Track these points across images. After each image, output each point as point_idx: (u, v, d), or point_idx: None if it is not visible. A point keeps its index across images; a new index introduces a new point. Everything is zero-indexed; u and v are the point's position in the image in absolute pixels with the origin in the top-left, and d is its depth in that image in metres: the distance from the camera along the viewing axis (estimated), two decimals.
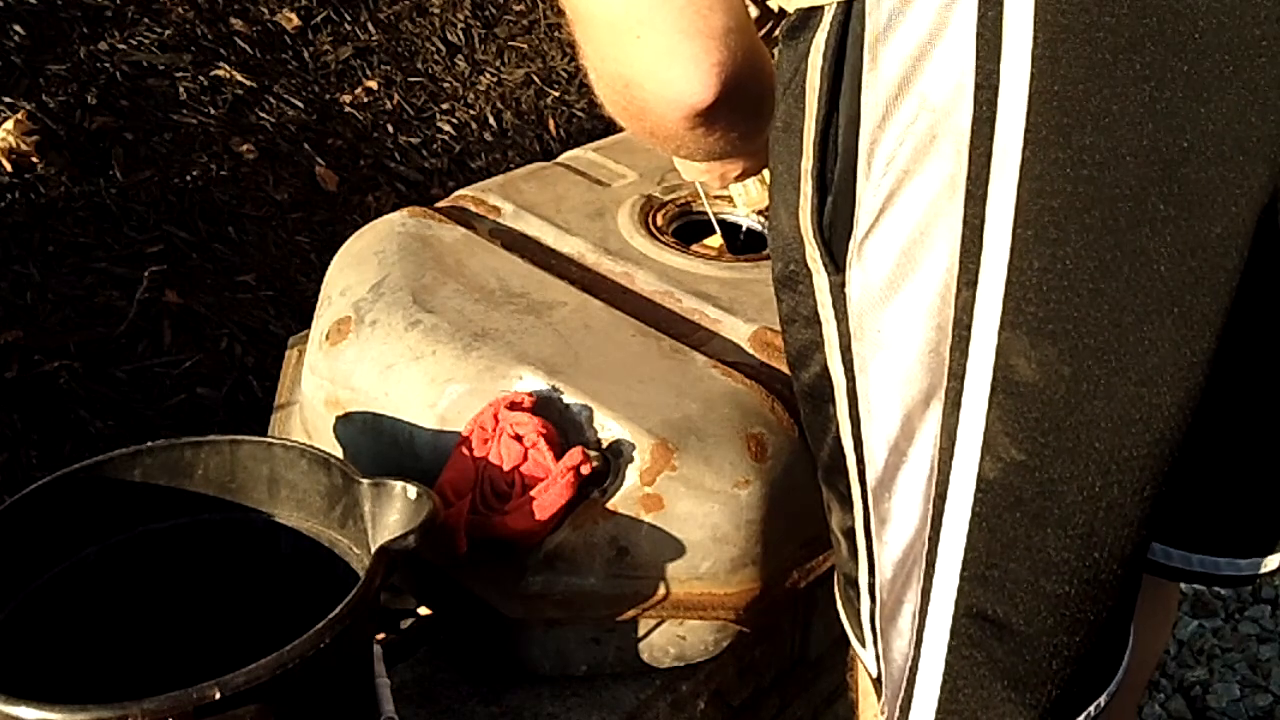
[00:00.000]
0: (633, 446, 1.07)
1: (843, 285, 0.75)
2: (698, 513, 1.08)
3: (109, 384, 1.75)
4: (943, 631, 0.76)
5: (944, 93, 0.66)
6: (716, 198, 1.42)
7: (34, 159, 1.98)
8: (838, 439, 0.82)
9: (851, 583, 0.88)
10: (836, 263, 0.75)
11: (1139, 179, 0.63)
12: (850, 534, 0.86)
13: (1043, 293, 0.65)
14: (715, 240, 1.39)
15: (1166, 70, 0.62)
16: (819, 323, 0.79)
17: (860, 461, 0.80)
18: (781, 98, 0.77)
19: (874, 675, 0.89)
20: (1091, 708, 0.80)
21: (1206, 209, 0.63)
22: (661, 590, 1.09)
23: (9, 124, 1.99)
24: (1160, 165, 0.63)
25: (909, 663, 0.79)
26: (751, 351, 1.20)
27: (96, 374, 1.75)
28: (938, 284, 0.69)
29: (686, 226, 1.42)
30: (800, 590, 1.19)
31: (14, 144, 1.97)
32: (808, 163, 0.75)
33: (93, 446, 1.64)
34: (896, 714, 0.81)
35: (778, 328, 1.21)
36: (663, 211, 1.41)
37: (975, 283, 0.67)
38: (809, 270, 0.78)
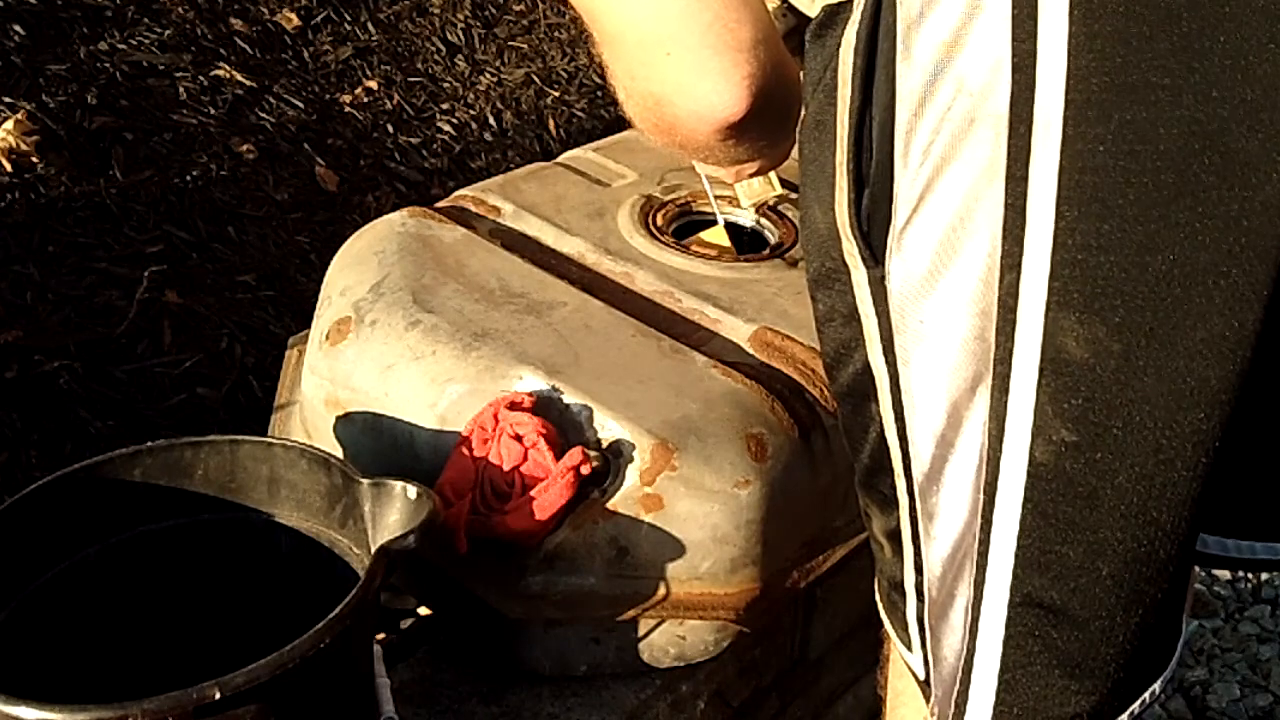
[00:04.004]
0: (633, 446, 1.07)
1: (882, 278, 0.75)
2: (698, 513, 1.08)
3: (109, 384, 1.75)
4: (998, 622, 0.75)
5: (980, 76, 0.66)
6: (718, 197, 1.42)
7: (34, 159, 1.98)
8: (881, 436, 0.81)
9: (896, 586, 0.87)
10: (875, 256, 0.75)
11: (1181, 151, 0.62)
12: (895, 535, 0.85)
13: (1089, 270, 0.65)
14: (717, 235, 1.39)
15: (1204, 40, 0.61)
16: (858, 319, 0.78)
17: (905, 457, 0.79)
18: (812, 96, 0.77)
19: (921, 678, 0.88)
20: (1147, 694, 0.79)
21: (1249, 178, 0.62)
22: (661, 590, 1.09)
23: (9, 124, 1.99)
24: (1201, 136, 0.62)
25: (962, 659, 0.78)
26: (751, 351, 1.20)
27: (96, 374, 1.75)
28: (980, 270, 0.69)
29: (686, 226, 1.42)
30: (800, 590, 1.19)
31: (14, 144, 1.97)
32: (842, 156, 0.75)
33: (93, 446, 1.64)
34: (951, 712, 0.80)
35: (778, 328, 1.21)
36: (663, 211, 1.41)
37: (1019, 265, 0.67)
38: (846, 266, 0.77)
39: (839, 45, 0.74)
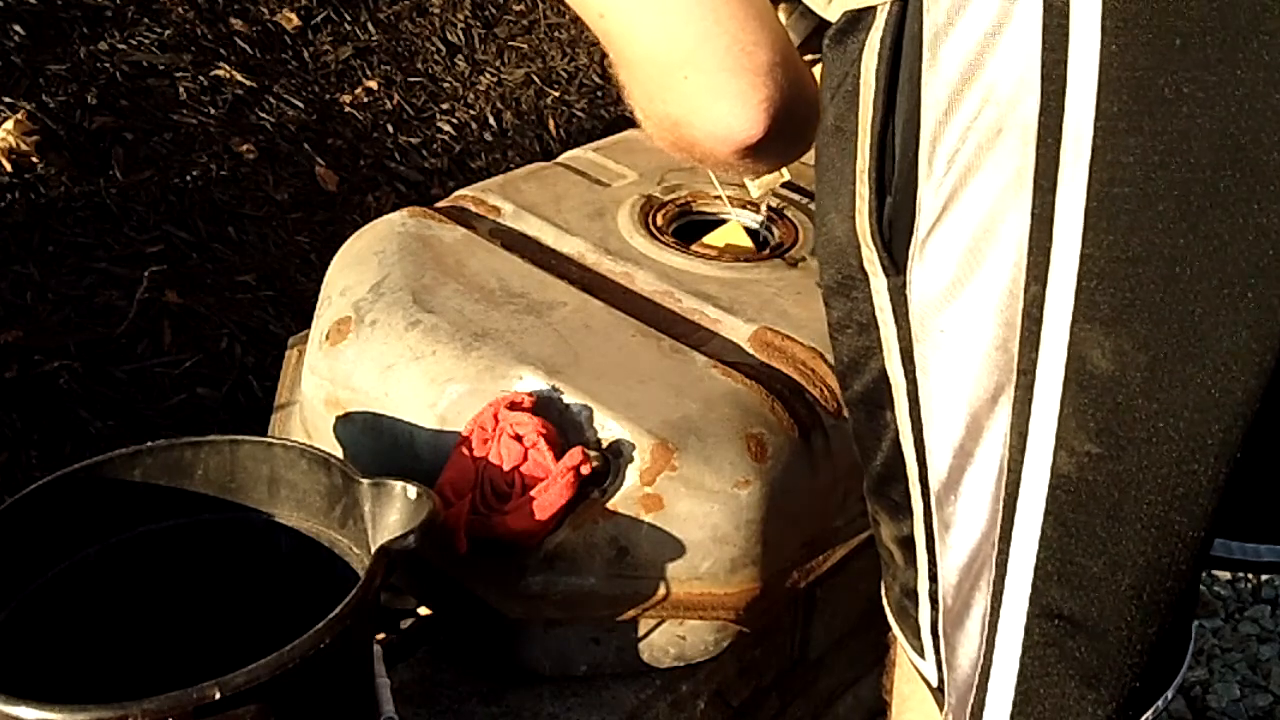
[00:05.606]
0: (633, 446, 1.07)
1: (903, 287, 0.74)
2: (698, 513, 1.08)
3: (109, 384, 1.75)
4: (1016, 633, 0.75)
5: (1009, 85, 0.66)
6: (717, 197, 1.42)
7: (34, 159, 1.98)
8: (896, 445, 0.81)
9: (908, 593, 0.87)
10: (896, 264, 0.75)
11: (1210, 163, 0.62)
12: (907, 543, 0.85)
13: (1116, 282, 0.65)
14: (734, 234, 1.39)
15: (1235, 52, 0.61)
16: (876, 328, 0.78)
17: (921, 466, 0.79)
18: (830, 102, 0.76)
19: (934, 685, 0.88)
20: (1160, 701, 0.79)
21: (1279, 190, 0.63)
22: (661, 590, 1.09)
23: (9, 124, 1.99)
24: (1232, 148, 0.62)
25: (979, 668, 0.78)
26: (751, 351, 1.20)
27: (96, 374, 1.75)
28: (1005, 280, 0.69)
29: (687, 226, 1.42)
30: (800, 590, 1.19)
31: (14, 144, 1.97)
32: (864, 164, 0.75)
33: (93, 446, 1.64)
34: None
35: (778, 328, 1.21)
36: (663, 211, 1.42)
37: (1045, 276, 0.67)
38: (865, 274, 0.77)
39: (861, 51, 0.73)
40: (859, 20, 0.74)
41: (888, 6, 0.71)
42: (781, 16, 0.92)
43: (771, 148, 0.83)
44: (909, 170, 0.72)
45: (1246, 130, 0.62)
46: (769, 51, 0.79)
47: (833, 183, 0.78)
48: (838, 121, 0.76)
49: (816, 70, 0.86)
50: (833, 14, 0.76)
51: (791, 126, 0.83)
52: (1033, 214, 0.66)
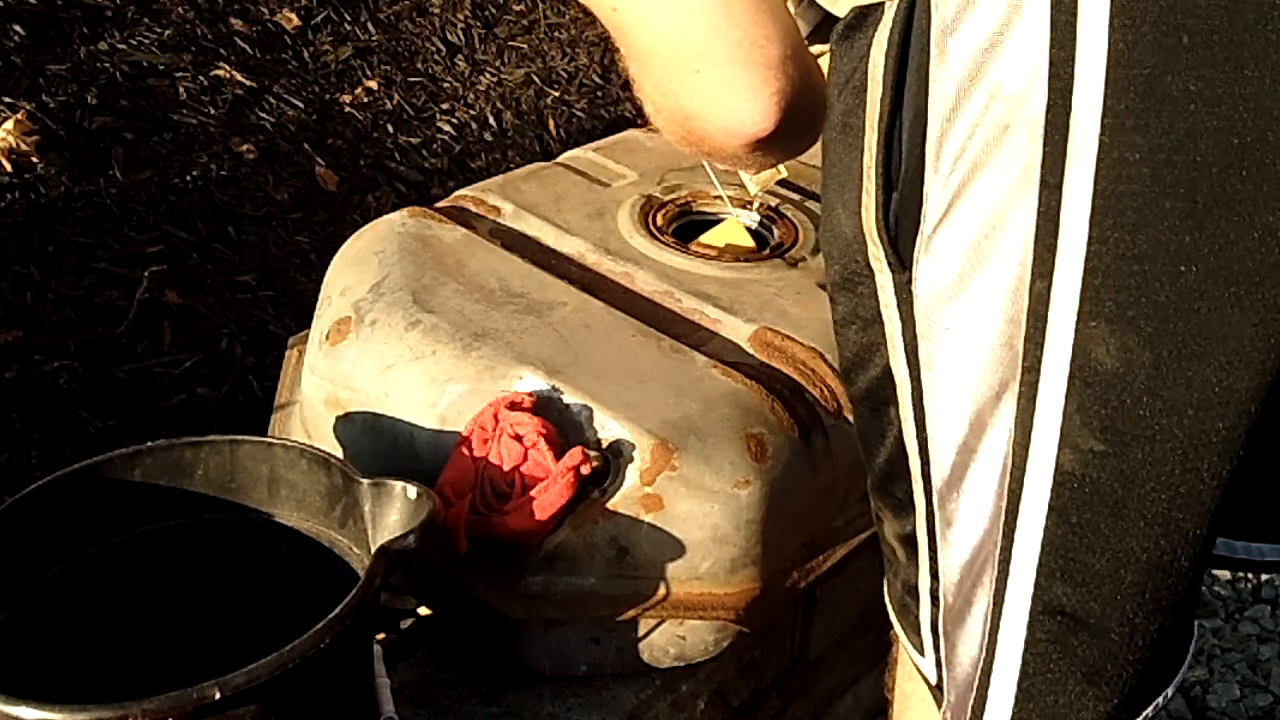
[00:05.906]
0: (633, 446, 1.07)
1: (908, 283, 0.75)
2: (698, 513, 1.08)
3: (109, 384, 1.75)
4: (1018, 631, 0.75)
5: (1017, 82, 0.66)
6: (718, 197, 1.42)
7: (34, 159, 1.98)
8: (899, 441, 0.81)
9: (910, 590, 0.87)
10: (902, 260, 0.75)
11: (1217, 162, 0.63)
12: (909, 539, 0.85)
13: (1122, 279, 0.65)
14: (734, 232, 1.39)
15: (1242, 51, 0.61)
16: (880, 323, 0.79)
17: (925, 463, 0.79)
18: (838, 97, 0.77)
19: (934, 683, 0.88)
20: (1160, 698, 0.79)
21: None
22: (661, 590, 1.09)
23: (9, 124, 1.99)
24: (1239, 147, 0.62)
25: (980, 665, 0.79)
26: (751, 351, 1.20)
27: (96, 374, 1.75)
28: (1010, 276, 0.69)
29: (686, 226, 1.42)
30: (800, 590, 1.19)
31: (14, 144, 1.97)
32: (870, 160, 0.75)
33: (93, 446, 1.64)
34: (968, 718, 0.81)
35: (778, 328, 1.21)
36: (663, 211, 1.41)
37: (1051, 273, 0.67)
38: (870, 270, 0.78)
39: (869, 47, 0.74)
40: (867, 16, 0.74)
41: (895, 2, 0.72)
42: (789, 7, 0.93)
43: (781, 141, 0.83)
44: (915, 166, 0.72)
45: (1253, 129, 0.62)
46: (780, 45, 0.79)
47: (839, 178, 0.78)
48: (845, 117, 0.76)
49: (824, 62, 0.86)
50: (841, 9, 0.77)
51: (801, 120, 0.83)
52: (1039, 211, 0.66)
